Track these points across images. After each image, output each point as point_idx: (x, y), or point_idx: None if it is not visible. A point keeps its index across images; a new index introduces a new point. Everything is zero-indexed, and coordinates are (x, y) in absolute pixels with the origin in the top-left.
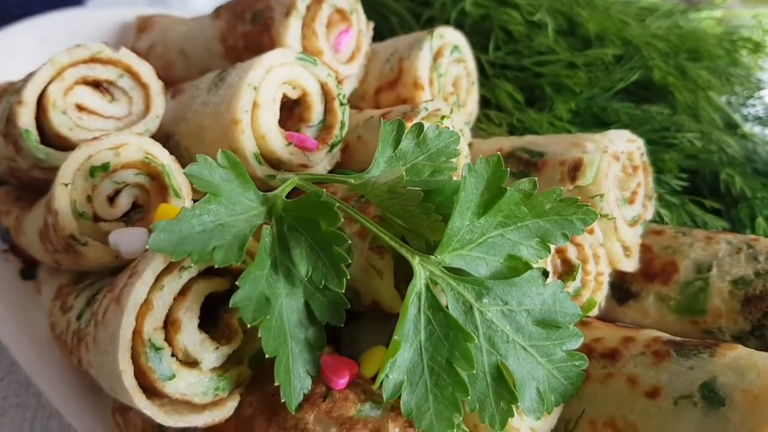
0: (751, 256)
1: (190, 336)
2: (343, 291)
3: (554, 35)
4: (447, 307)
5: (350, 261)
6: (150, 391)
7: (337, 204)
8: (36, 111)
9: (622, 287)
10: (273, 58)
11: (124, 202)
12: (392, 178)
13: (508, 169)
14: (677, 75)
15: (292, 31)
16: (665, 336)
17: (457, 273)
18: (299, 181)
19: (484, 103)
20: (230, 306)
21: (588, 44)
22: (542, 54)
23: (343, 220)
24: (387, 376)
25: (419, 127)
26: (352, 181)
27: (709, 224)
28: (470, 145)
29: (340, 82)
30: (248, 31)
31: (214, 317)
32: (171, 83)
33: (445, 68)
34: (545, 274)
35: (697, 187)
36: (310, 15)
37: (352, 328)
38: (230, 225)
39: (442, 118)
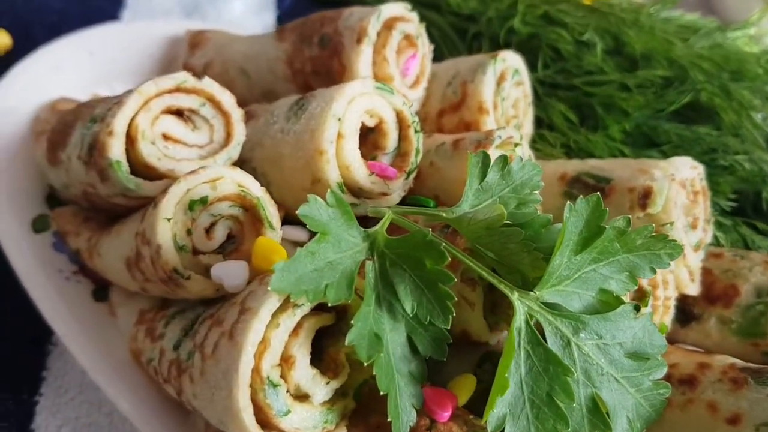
0: None
1: (303, 372)
2: (449, 327)
3: (602, 54)
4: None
5: (456, 298)
6: (264, 425)
7: (444, 243)
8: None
9: (684, 309)
10: (354, 89)
11: (220, 234)
12: (491, 216)
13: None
14: (722, 96)
15: (364, 57)
16: (740, 363)
17: (553, 308)
18: (394, 216)
19: (536, 122)
20: (347, 344)
21: (634, 63)
22: (591, 73)
23: (449, 258)
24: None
25: (504, 159)
26: (445, 215)
27: (756, 243)
28: None
29: None
30: (316, 56)
31: (317, 351)
32: None
33: (507, 92)
34: (637, 308)
35: (741, 205)
36: (380, 41)
37: None
38: (338, 262)
39: (515, 146)
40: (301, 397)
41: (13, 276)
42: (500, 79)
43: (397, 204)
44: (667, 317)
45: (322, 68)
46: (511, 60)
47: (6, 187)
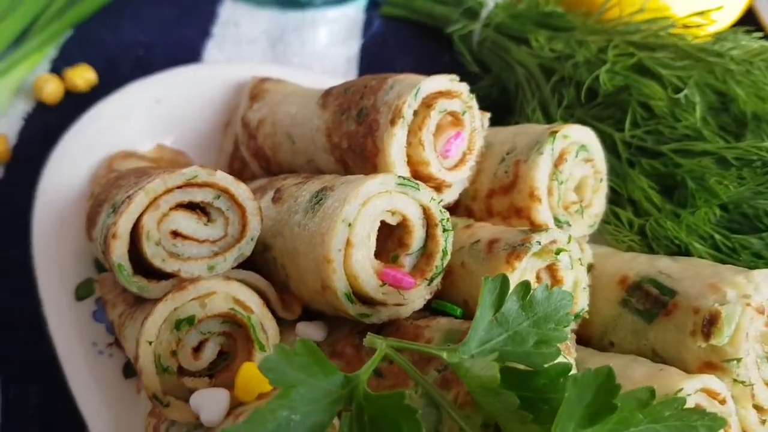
0: None
1: None
2: None
3: (703, 113)
4: None
5: None
6: None
7: (420, 411)
8: (131, 238)
9: None
10: (370, 188)
11: (208, 354)
12: (485, 375)
13: (631, 313)
14: None
15: (396, 141)
16: None
17: None
18: (389, 351)
19: (614, 193)
20: None
21: (742, 125)
22: (688, 137)
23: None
24: None
25: (526, 287)
26: (446, 356)
27: None
28: (590, 267)
29: (439, 188)
30: (353, 132)
31: None
32: (277, 165)
33: (568, 174)
34: None
35: None
36: (417, 122)
37: None
38: (307, 415)
39: (558, 252)
40: None
41: None
42: (559, 161)
43: (420, 309)
44: None
45: (357, 146)
46: (576, 135)
47: (56, 251)
